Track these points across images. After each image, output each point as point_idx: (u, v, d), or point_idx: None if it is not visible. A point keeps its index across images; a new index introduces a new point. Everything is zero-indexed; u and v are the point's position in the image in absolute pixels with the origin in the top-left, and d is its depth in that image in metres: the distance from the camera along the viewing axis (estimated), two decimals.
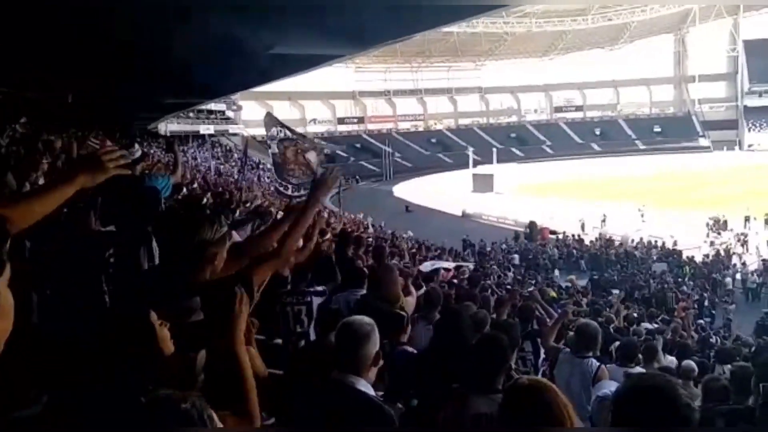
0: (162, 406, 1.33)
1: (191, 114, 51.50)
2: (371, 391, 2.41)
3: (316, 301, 4.56)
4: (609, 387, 3.36)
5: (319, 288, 4.71)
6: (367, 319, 2.53)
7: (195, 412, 1.31)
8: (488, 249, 28.43)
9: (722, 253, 26.49)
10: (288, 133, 8.82)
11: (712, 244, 28.51)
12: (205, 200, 7.50)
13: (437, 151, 78.77)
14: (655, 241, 28.79)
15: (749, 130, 78.01)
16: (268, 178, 48.09)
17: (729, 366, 8.52)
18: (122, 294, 2.64)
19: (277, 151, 9.04)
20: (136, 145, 4.81)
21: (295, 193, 8.80)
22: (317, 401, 2.48)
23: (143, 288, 2.45)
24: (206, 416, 1.33)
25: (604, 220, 33.26)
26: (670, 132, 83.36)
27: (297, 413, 2.55)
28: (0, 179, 3.67)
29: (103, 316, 2.34)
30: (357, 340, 2.42)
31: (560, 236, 31.69)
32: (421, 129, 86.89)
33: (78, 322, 2.36)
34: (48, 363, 2.20)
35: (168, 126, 46.86)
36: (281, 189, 8.96)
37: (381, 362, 2.49)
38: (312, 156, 8.40)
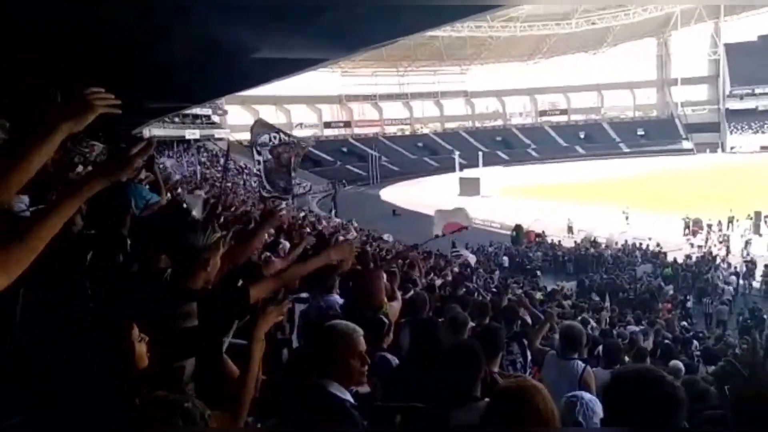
0: (164, 406, 1.30)
1: (176, 119, 51.15)
2: (344, 395, 2.39)
3: (299, 307, 4.52)
4: (573, 392, 3.35)
5: (303, 294, 4.67)
6: (343, 323, 2.53)
7: (197, 412, 1.29)
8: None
9: (707, 254, 26.75)
10: (284, 137, 8.67)
11: (695, 245, 28.83)
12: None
13: (424, 155, 78.92)
14: (640, 243, 29.01)
15: (731, 133, 78.98)
16: (254, 182, 47.94)
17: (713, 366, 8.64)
18: (104, 299, 2.60)
19: (270, 157, 8.83)
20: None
21: (283, 195, 8.76)
22: (293, 403, 2.50)
23: (131, 293, 2.42)
24: (207, 415, 1.31)
25: (570, 228, 33.53)
26: (653, 135, 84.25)
27: (275, 414, 2.56)
28: None
29: (85, 324, 2.31)
30: (328, 343, 2.42)
31: (546, 239, 31.87)
32: (407, 133, 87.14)
33: (59, 329, 2.33)
34: (28, 369, 2.17)
35: (153, 131, 46.48)
36: (265, 193, 8.83)
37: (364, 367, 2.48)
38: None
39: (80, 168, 8.02)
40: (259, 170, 9.14)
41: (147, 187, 5.33)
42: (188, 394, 1.36)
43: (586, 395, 3.11)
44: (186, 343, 2.26)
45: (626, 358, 6.34)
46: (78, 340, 1.96)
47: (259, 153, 8.85)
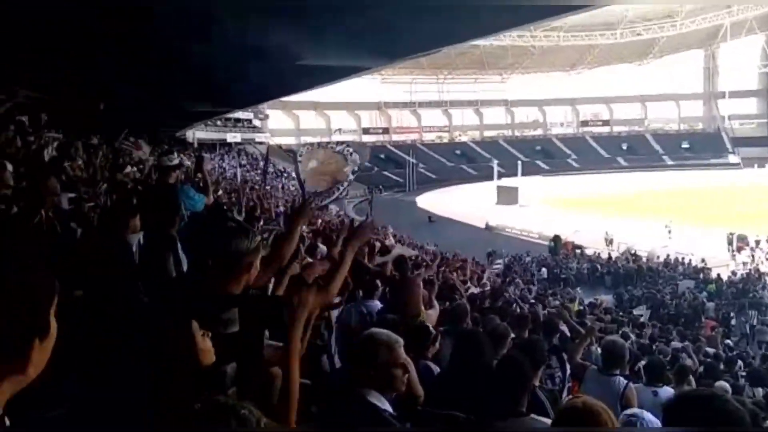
0: (220, 412, 1.32)
1: (219, 122, 52.14)
2: (384, 405, 2.38)
3: (334, 314, 4.54)
4: (631, 411, 3.29)
5: (335, 300, 4.67)
6: (385, 333, 2.52)
7: (253, 418, 1.30)
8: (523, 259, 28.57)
9: (753, 271, 25.91)
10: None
11: (739, 262, 28.00)
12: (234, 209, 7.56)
13: (462, 162, 78.56)
14: (682, 258, 28.32)
15: None
16: (292, 186, 48.43)
17: (761, 389, 8.35)
18: (154, 301, 2.65)
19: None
20: (175, 153, 4.89)
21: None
22: (331, 410, 2.51)
23: (178, 297, 2.45)
24: (263, 423, 1.32)
25: (610, 241, 32.85)
26: (698, 148, 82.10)
27: (314, 421, 2.57)
28: (44, 183, 3.74)
29: (138, 322, 2.36)
30: (370, 353, 2.42)
31: (585, 251, 31.39)
32: (445, 140, 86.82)
33: (109, 327, 2.39)
34: (77, 364, 2.22)
35: (196, 134, 47.47)
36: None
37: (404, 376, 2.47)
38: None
39: (129, 169, 8.23)
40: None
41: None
42: (245, 402, 1.37)
43: (648, 415, 3.05)
44: (228, 348, 2.28)
45: (669, 376, 6.18)
46: (132, 338, 2.00)
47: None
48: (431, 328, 3.75)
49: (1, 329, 1.02)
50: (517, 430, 2.61)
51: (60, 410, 2.07)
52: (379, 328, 2.59)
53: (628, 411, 3.07)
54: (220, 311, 2.29)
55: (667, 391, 5.13)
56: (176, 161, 4.86)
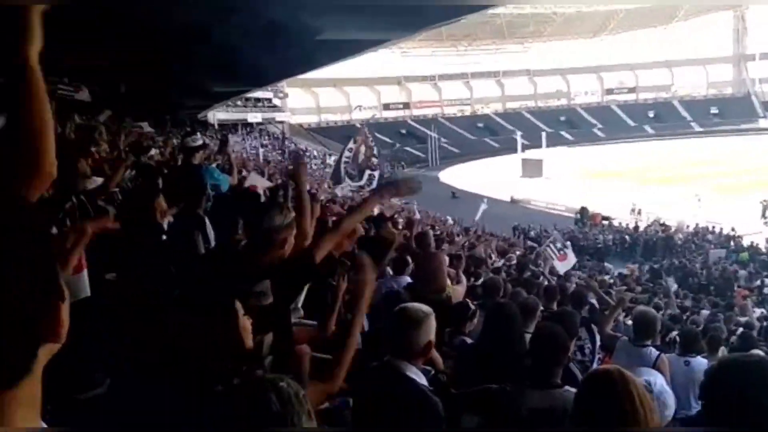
0: (259, 386, 1.32)
1: (239, 102, 52.28)
2: (421, 379, 2.40)
3: None
4: (648, 375, 3.22)
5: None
6: (423, 306, 2.51)
7: (291, 391, 1.30)
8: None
9: None
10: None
11: None
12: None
13: (484, 135, 77.62)
14: (712, 227, 27.84)
15: None
16: (314, 165, 48.48)
17: None
18: (187, 278, 2.67)
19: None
20: (198, 134, 4.93)
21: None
22: (367, 384, 2.51)
23: (211, 272, 2.47)
24: (302, 395, 1.32)
25: (639, 211, 32.22)
26: (728, 113, 79.95)
27: (349, 394, 2.59)
28: (74, 165, 3.78)
29: (181, 300, 2.39)
30: (409, 326, 2.41)
31: (613, 222, 31.03)
32: (467, 113, 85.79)
33: (145, 307, 2.41)
34: (114, 344, 2.26)
35: (216, 114, 47.67)
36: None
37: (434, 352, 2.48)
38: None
39: (153, 152, 8.29)
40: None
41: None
42: (284, 375, 1.38)
43: (659, 382, 2.99)
44: (264, 319, 2.30)
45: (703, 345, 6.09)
46: (169, 319, 2.02)
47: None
48: (470, 303, 3.74)
49: (26, 296, 1.03)
50: (553, 401, 2.59)
51: (99, 390, 2.11)
52: (413, 303, 2.59)
53: (645, 376, 2.99)
54: (253, 284, 2.31)
55: (699, 361, 5.07)
56: (200, 142, 4.89)
